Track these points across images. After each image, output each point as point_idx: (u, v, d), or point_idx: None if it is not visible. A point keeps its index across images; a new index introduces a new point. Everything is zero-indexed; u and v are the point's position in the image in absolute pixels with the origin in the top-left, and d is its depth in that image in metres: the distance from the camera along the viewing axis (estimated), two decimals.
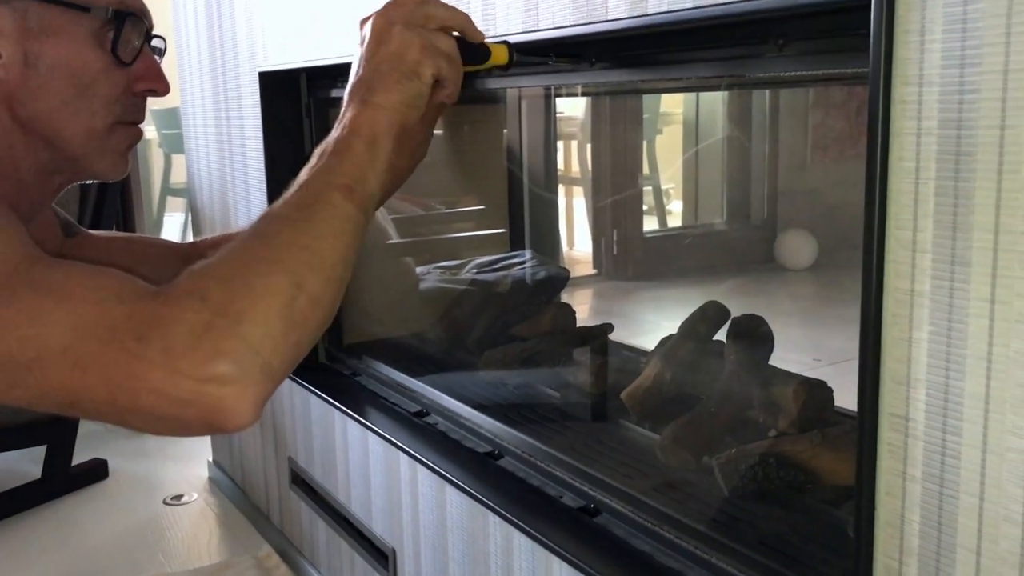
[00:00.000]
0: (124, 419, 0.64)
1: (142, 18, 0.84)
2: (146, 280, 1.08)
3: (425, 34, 0.84)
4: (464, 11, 0.89)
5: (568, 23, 0.94)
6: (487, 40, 0.92)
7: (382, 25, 0.84)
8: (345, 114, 0.80)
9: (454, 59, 0.86)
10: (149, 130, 4.37)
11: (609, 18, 0.88)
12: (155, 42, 0.89)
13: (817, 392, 1.16)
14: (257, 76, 1.70)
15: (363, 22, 0.87)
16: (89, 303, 0.64)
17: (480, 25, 1.07)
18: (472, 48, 0.89)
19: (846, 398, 1.17)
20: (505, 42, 0.94)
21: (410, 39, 0.83)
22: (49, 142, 0.81)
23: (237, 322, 0.63)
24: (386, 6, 0.85)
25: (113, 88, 0.82)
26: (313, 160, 0.77)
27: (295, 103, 1.71)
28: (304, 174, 0.76)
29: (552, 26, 0.96)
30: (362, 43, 0.85)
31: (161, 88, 0.86)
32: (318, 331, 0.70)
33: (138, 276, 1.08)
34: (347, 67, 1.56)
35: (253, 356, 0.63)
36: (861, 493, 0.70)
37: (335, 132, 0.79)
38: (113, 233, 1.18)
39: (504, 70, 0.95)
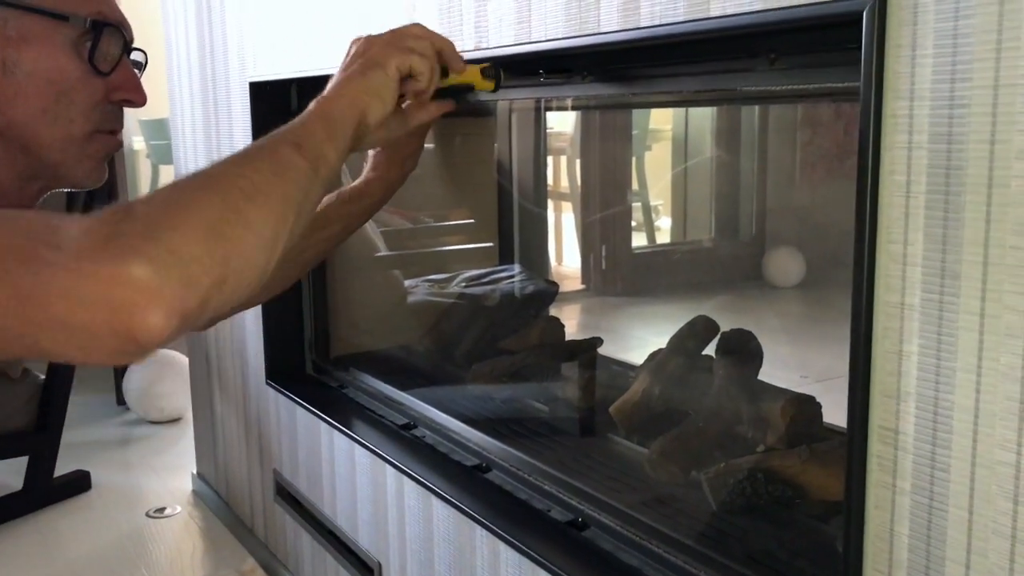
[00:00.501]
0: (37, 340, 0.58)
1: (120, 29, 0.85)
2: None
3: (387, 39, 0.86)
4: (449, 39, 0.91)
5: (560, 35, 0.94)
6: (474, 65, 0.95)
7: (361, 43, 0.88)
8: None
9: (427, 56, 0.87)
10: (137, 141, 4.36)
11: (601, 31, 0.89)
12: (135, 55, 0.90)
13: (805, 407, 1.16)
14: (247, 86, 1.70)
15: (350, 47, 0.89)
16: (17, 221, 0.60)
17: (472, 37, 1.07)
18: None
19: (832, 416, 1.17)
20: (492, 65, 0.96)
21: (374, 39, 0.86)
22: (26, 149, 0.82)
23: (156, 227, 0.60)
24: (378, 36, 0.88)
25: (90, 96, 0.83)
26: None
27: (285, 114, 1.69)
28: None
29: (544, 38, 0.97)
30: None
31: (138, 99, 0.87)
32: (251, 259, 0.65)
33: None
34: None
35: (170, 258, 0.58)
36: (850, 506, 0.70)
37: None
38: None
39: (493, 91, 0.98)
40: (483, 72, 0.96)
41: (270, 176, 0.68)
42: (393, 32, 0.87)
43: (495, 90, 0.97)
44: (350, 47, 0.88)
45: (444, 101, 1.04)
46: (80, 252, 0.57)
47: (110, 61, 0.84)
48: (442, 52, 0.90)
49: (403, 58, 0.85)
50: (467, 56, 1.09)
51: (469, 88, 0.97)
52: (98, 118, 0.84)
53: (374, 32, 0.90)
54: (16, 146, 0.81)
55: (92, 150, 0.85)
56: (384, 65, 0.83)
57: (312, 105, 0.81)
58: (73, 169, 0.85)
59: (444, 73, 0.91)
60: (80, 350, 0.58)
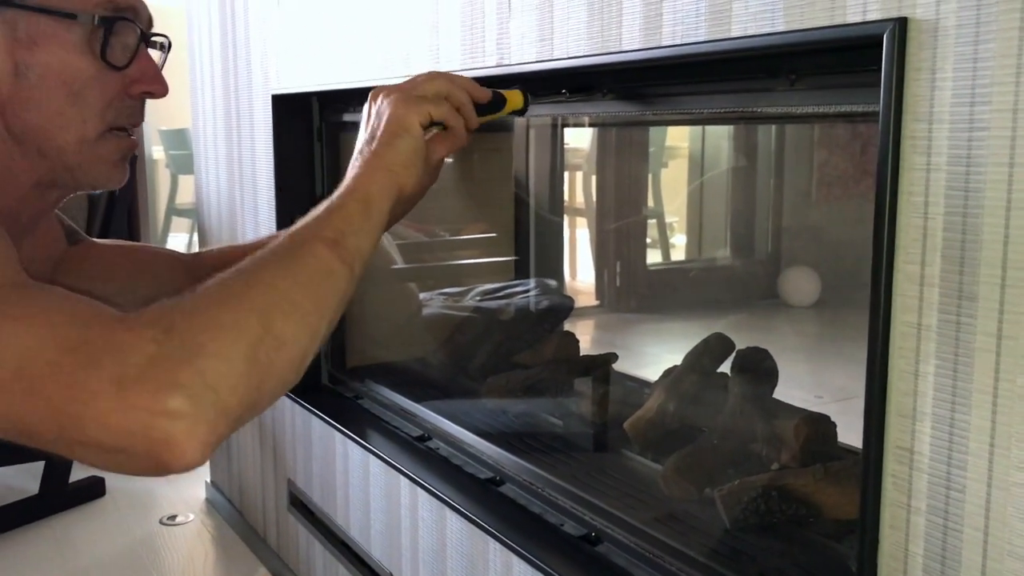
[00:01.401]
0: (73, 451, 0.61)
1: (134, 20, 0.81)
2: (147, 290, 1.09)
3: (411, 93, 0.84)
4: (466, 77, 0.90)
5: (582, 53, 0.95)
6: (502, 90, 0.93)
7: (373, 96, 0.86)
8: (353, 176, 0.80)
9: (444, 98, 0.86)
10: (157, 150, 4.40)
11: (623, 49, 0.90)
12: (156, 38, 0.86)
13: (820, 426, 1.16)
14: (270, 99, 1.72)
15: (371, 99, 0.87)
16: (49, 326, 0.61)
17: (495, 54, 1.08)
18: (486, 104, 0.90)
19: (848, 436, 1.17)
20: (520, 88, 0.94)
21: (395, 99, 0.83)
22: (43, 153, 0.80)
23: (196, 355, 0.60)
24: (398, 86, 0.86)
25: (105, 94, 0.81)
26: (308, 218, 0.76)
27: (307, 126, 1.73)
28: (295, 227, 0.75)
29: (566, 56, 0.98)
30: (366, 118, 0.86)
31: (158, 90, 0.84)
32: (283, 378, 0.67)
33: (141, 284, 1.09)
34: (359, 92, 1.57)
35: (209, 392, 0.60)
36: (865, 525, 0.70)
37: (335, 193, 0.78)
38: (117, 242, 1.18)
39: (521, 114, 0.96)
40: (522, 95, 0.95)
41: (306, 286, 0.69)
42: (403, 87, 0.85)
43: (524, 111, 0.96)
44: (368, 104, 0.86)
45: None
46: (121, 379, 0.58)
47: (126, 53, 0.81)
48: (470, 92, 0.89)
49: (422, 112, 0.83)
50: (489, 73, 1.11)
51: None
52: (113, 115, 0.82)
53: (391, 79, 0.90)
54: (34, 151, 0.80)
55: (106, 151, 0.83)
56: (409, 128, 0.82)
57: (347, 183, 0.79)
58: (90, 172, 0.83)
59: (484, 109, 0.90)
60: (113, 466, 0.60)
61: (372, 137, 0.82)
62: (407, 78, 0.88)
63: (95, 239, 1.11)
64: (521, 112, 0.95)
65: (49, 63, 0.77)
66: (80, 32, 0.78)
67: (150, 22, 0.85)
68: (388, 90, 0.85)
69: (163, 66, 0.88)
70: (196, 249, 2.53)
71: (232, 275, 0.68)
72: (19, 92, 0.77)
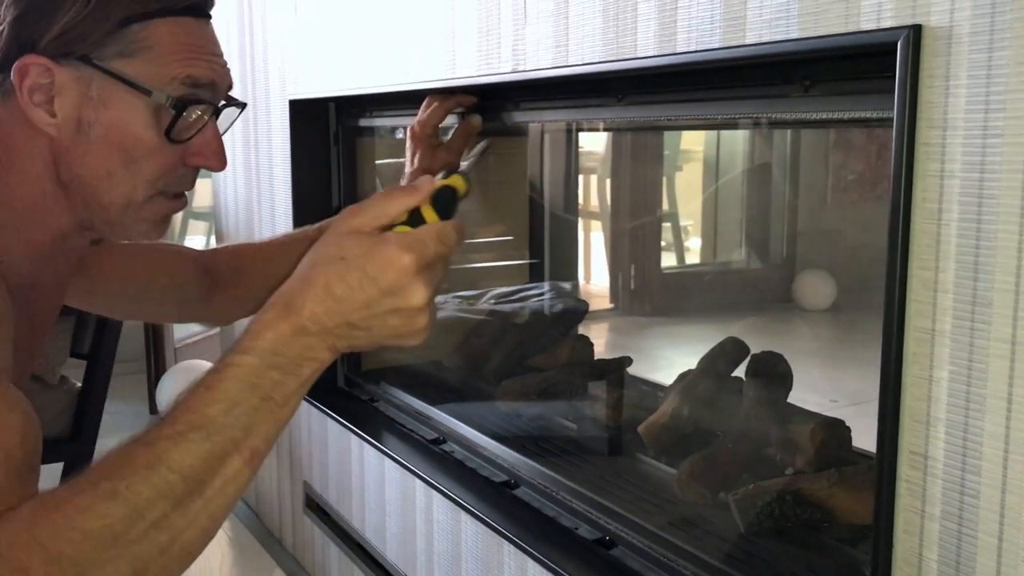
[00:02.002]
0: None
1: (209, 100, 0.80)
2: (163, 288, 1.10)
3: (426, 321, 0.70)
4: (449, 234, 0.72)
5: (597, 59, 0.96)
6: (445, 182, 0.77)
7: (398, 262, 0.66)
8: (284, 323, 0.65)
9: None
10: None
11: (638, 55, 0.90)
12: (231, 105, 0.85)
13: (835, 431, 1.16)
14: (287, 104, 1.73)
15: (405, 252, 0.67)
16: None
17: (510, 60, 1.09)
18: (445, 205, 0.75)
19: (863, 440, 1.17)
20: (461, 174, 0.78)
21: (416, 308, 0.68)
22: (88, 206, 0.80)
23: None
24: (422, 246, 0.68)
25: (162, 165, 0.79)
26: (222, 362, 0.65)
27: (323, 131, 1.74)
28: (209, 394, 0.64)
29: (581, 62, 0.98)
30: (374, 279, 0.66)
31: (216, 166, 0.82)
32: None
33: (158, 282, 1.10)
34: (375, 97, 1.58)
35: None
36: (879, 530, 0.70)
37: (268, 353, 0.65)
38: (135, 244, 1.19)
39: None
40: (454, 177, 0.78)
41: (204, 523, 0.63)
42: (425, 262, 0.68)
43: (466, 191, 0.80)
44: (369, 254, 0.66)
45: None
46: None
47: (192, 128, 0.80)
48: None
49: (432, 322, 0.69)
50: (503, 79, 1.11)
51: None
52: (164, 183, 0.81)
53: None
54: (78, 201, 0.80)
55: (149, 213, 0.81)
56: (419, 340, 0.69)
57: (323, 346, 0.66)
58: (129, 229, 0.82)
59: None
60: None
61: (379, 331, 0.67)
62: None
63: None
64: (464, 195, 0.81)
65: (113, 126, 0.76)
66: (151, 105, 0.77)
67: (229, 88, 0.83)
68: (428, 282, 0.68)
69: (231, 125, 0.87)
70: None
71: (117, 500, 0.60)
72: (77, 146, 0.77)
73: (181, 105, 0.77)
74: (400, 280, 0.66)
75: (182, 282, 1.13)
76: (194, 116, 0.79)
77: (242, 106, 0.87)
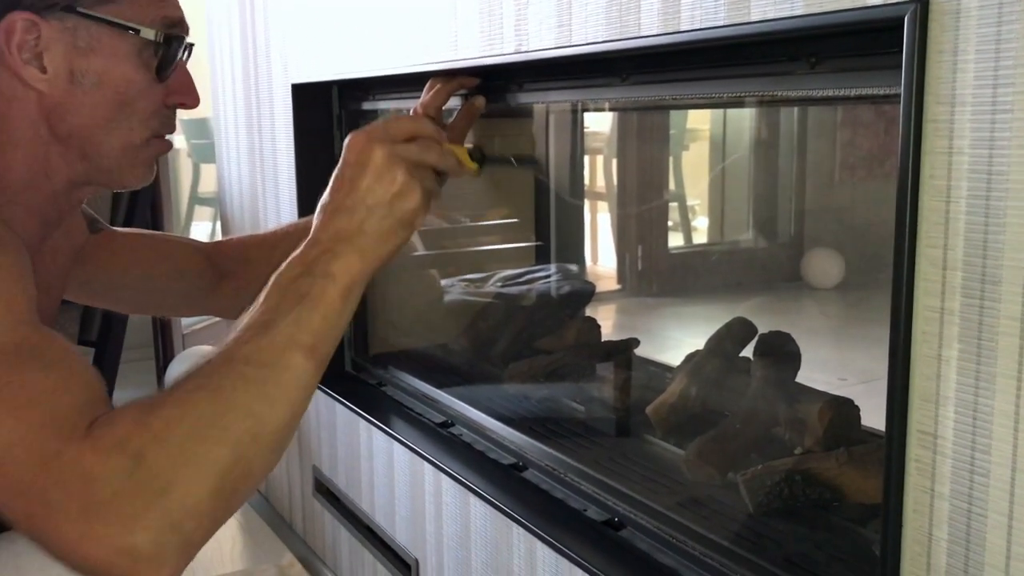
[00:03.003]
0: (42, 548, 0.61)
1: (183, 35, 0.85)
2: (166, 278, 1.10)
3: (424, 175, 0.79)
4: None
5: (601, 39, 0.95)
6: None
7: (385, 160, 0.77)
8: (331, 246, 0.74)
9: (425, 156, 0.81)
10: (179, 139, 4.43)
11: (642, 34, 0.89)
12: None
13: (844, 410, 1.16)
14: (290, 88, 1.73)
15: (357, 142, 0.79)
16: (32, 426, 0.62)
17: (513, 40, 1.08)
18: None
19: (872, 418, 1.16)
20: (479, 156, 0.91)
21: (412, 186, 0.77)
22: (85, 155, 0.82)
23: (163, 493, 0.60)
24: (388, 132, 0.79)
25: (151, 104, 0.83)
26: (273, 280, 0.73)
27: (326, 115, 1.73)
28: (265, 306, 0.71)
29: (585, 42, 0.97)
30: (357, 168, 0.77)
31: (191, 101, 0.87)
32: (243, 501, 0.67)
33: (160, 272, 1.11)
34: (378, 80, 1.57)
35: (173, 532, 0.60)
36: (888, 510, 0.70)
37: (308, 267, 0.73)
38: (137, 230, 1.19)
39: (475, 175, 0.92)
40: (470, 153, 0.90)
41: (282, 407, 0.68)
42: (411, 155, 0.78)
43: (478, 173, 0.92)
44: (377, 166, 0.77)
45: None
46: (87, 508, 0.58)
47: (171, 67, 0.84)
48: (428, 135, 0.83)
49: (426, 209, 0.79)
50: (506, 60, 1.11)
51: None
52: (156, 124, 0.85)
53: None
54: (75, 152, 0.82)
55: (145, 156, 0.85)
56: (414, 224, 0.78)
57: (328, 260, 0.73)
58: (126, 174, 0.85)
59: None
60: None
61: (370, 206, 0.76)
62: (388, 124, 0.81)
63: (116, 228, 1.12)
64: (477, 172, 0.91)
65: (105, 72, 0.79)
66: (136, 44, 0.80)
67: (187, 31, 0.87)
68: (399, 153, 0.78)
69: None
70: (219, 237, 2.55)
71: (205, 390, 0.65)
72: (71, 97, 0.79)
73: (168, 41, 0.82)
74: (364, 153, 0.77)
75: (186, 271, 1.13)
76: (172, 53, 0.83)
77: (191, 47, 0.91)
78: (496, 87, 1.24)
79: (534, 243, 2.00)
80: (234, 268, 1.15)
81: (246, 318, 0.71)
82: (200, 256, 1.14)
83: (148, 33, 0.80)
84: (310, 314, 0.71)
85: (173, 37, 0.83)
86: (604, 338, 1.68)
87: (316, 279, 0.72)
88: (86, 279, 1.03)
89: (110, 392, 2.35)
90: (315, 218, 0.77)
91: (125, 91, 0.81)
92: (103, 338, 2.27)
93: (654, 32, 0.88)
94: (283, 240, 1.15)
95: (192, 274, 1.13)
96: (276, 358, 0.68)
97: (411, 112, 1.25)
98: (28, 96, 0.79)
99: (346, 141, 0.80)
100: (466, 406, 1.45)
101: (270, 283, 0.73)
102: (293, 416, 0.68)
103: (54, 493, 0.59)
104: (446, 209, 2.02)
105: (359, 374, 1.79)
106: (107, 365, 2.33)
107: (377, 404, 1.62)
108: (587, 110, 2.15)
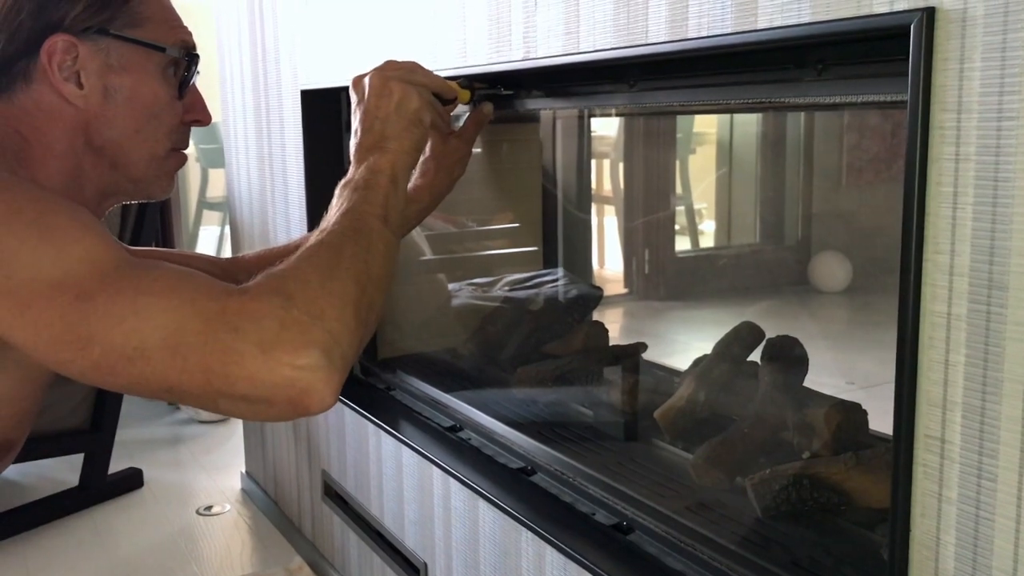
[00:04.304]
0: (216, 403, 0.70)
1: (198, 55, 0.93)
2: None
3: (418, 87, 0.98)
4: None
5: (608, 46, 0.96)
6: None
7: (380, 81, 0.97)
8: (367, 157, 0.91)
9: (437, 106, 1.02)
10: None
11: (649, 42, 0.90)
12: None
13: (851, 414, 1.16)
14: (299, 94, 1.74)
15: (356, 81, 1.00)
16: (185, 300, 0.70)
17: (521, 48, 1.09)
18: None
19: (880, 422, 1.17)
20: (468, 85, 1.14)
21: (408, 91, 0.96)
22: (116, 165, 0.90)
23: (320, 318, 0.70)
24: (379, 67, 1.00)
25: (173, 118, 0.92)
26: (337, 193, 0.87)
27: (335, 121, 1.74)
28: (340, 204, 0.85)
29: (592, 49, 0.98)
30: (361, 100, 0.97)
31: (205, 119, 0.97)
32: (371, 332, 0.78)
33: None
34: None
35: (336, 346, 0.70)
36: (896, 514, 0.70)
37: (359, 173, 0.89)
38: (152, 249, 1.24)
39: (467, 104, 1.16)
40: (460, 84, 1.11)
41: (379, 256, 0.81)
42: (403, 76, 0.99)
43: (469, 101, 1.15)
44: (355, 85, 1.00)
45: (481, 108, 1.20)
46: (262, 342, 0.68)
47: (189, 84, 0.94)
48: (440, 90, 1.05)
49: (432, 112, 0.98)
50: (515, 67, 1.11)
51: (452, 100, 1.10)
52: (176, 137, 0.93)
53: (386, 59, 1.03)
54: (106, 163, 0.90)
55: (168, 167, 0.94)
56: (423, 121, 0.96)
57: (373, 156, 0.91)
58: (152, 184, 0.94)
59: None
60: (254, 415, 0.71)
61: (388, 118, 0.94)
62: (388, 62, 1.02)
63: (130, 247, 1.14)
64: (469, 101, 1.15)
65: (135, 87, 0.89)
66: (161, 63, 0.90)
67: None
68: (384, 72, 0.98)
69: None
70: (228, 242, 2.56)
71: (319, 249, 0.78)
72: (105, 111, 0.88)
73: (188, 59, 0.92)
74: (360, 86, 0.99)
75: None
76: (191, 73, 0.93)
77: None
78: (504, 94, 1.24)
79: (542, 247, 2.01)
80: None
81: (322, 223, 0.83)
82: (216, 269, 1.16)
83: (173, 51, 0.90)
84: (373, 195, 0.86)
85: (192, 56, 0.92)
86: (612, 342, 1.68)
87: (366, 176, 0.88)
88: None
89: (118, 400, 2.37)
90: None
91: (152, 105, 0.90)
92: None
93: (662, 39, 0.89)
94: (297, 250, 1.17)
95: None
96: (361, 225, 0.82)
97: None
98: (66, 110, 0.87)
99: (349, 88, 1.00)
100: (475, 410, 1.45)
101: (333, 199, 0.87)
102: (387, 264, 0.81)
103: (230, 341, 0.68)
104: (455, 213, 2.02)
105: (368, 378, 1.79)
106: None
107: (386, 408, 1.63)
108: (594, 115, 2.16)
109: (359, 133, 0.95)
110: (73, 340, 0.69)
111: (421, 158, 1.25)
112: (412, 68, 1.01)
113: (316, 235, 0.81)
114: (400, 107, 0.95)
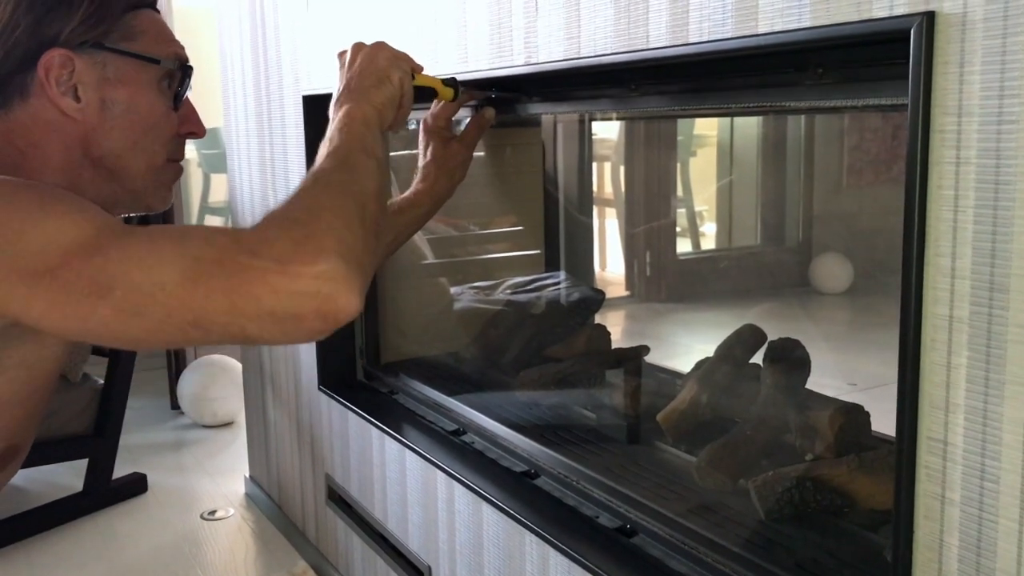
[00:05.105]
0: (244, 329, 0.69)
1: (191, 67, 0.95)
2: None
3: (388, 50, 1.04)
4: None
5: (610, 51, 0.96)
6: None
7: (355, 48, 1.05)
8: (337, 113, 0.94)
9: (408, 77, 1.05)
10: (189, 150, 4.45)
11: (650, 46, 0.90)
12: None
13: (854, 416, 1.16)
14: (301, 99, 1.74)
15: (340, 54, 1.06)
16: (198, 237, 0.72)
17: (523, 52, 1.09)
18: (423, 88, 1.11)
19: (882, 423, 1.17)
20: (452, 80, 1.16)
21: (377, 52, 1.03)
22: (115, 176, 0.91)
23: (330, 229, 0.72)
24: (360, 43, 1.06)
25: (169, 129, 0.93)
26: (322, 149, 0.88)
27: None
28: (324, 149, 0.88)
29: (593, 54, 0.98)
30: (342, 67, 1.04)
31: (200, 132, 0.98)
32: (376, 239, 0.80)
33: None
34: None
35: (351, 252, 0.72)
36: (899, 516, 0.71)
37: (334, 124, 0.92)
38: None
39: (451, 100, 1.18)
40: (444, 82, 1.16)
41: (369, 180, 0.83)
42: (388, 49, 1.05)
43: (454, 98, 1.17)
44: (352, 52, 1.05)
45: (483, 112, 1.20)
46: (280, 258, 0.69)
47: (183, 95, 0.95)
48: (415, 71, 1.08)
49: (401, 71, 1.02)
50: (516, 72, 1.12)
51: (433, 93, 1.16)
52: (172, 149, 0.95)
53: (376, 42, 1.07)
54: (106, 174, 0.90)
55: (166, 178, 0.95)
56: (391, 79, 1.01)
57: (343, 114, 0.94)
58: (150, 196, 0.94)
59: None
60: (284, 334, 0.70)
61: (360, 76, 1.00)
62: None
63: None
64: (453, 98, 1.17)
65: (131, 99, 0.90)
66: (156, 75, 0.91)
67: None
68: (362, 44, 1.05)
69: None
70: None
71: (311, 183, 0.80)
72: (103, 123, 0.89)
73: (182, 71, 0.93)
74: (343, 55, 1.06)
75: None
76: (184, 86, 0.95)
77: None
78: (506, 98, 1.25)
79: (543, 250, 2.01)
80: None
81: (314, 167, 0.86)
82: None
83: (167, 63, 0.91)
84: (349, 134, 0.89)
85: (186, 67, 0.94)
86: (614, 345, 1.68)
87: (340, 124, 0.91)
88: None
89: (122, 405, 2.37)
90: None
91: (149, 116, 0.91)
92: (117, 349, 2.29)
93: (662, 44, 0.89)
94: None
95: None
96: (345, 155, 0.85)
97: (421, 123, 1.26)
98: (64, 124, 0.87)
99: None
100: (478, 414, 1.46)
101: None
102: (377, 187, 0.84)
103: (247, 261, 0.69)
104: (456, 217, 2.03)
105: (371, 382, 1.80)
106: (121, 375, 2.35)
107: (389, 412, 1.63)
108: (595, 119, 2.16)
109: (336, 90, 1.00)
110: (92, 290, 0.69)
111: (421, 163, 1.26)
112: (387, 45, 1.07)
113: (305, 178, 0.84)
114: (370, 66, 1.00)
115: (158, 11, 0.96)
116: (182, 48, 0.95)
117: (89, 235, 0.71)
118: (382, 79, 1.00)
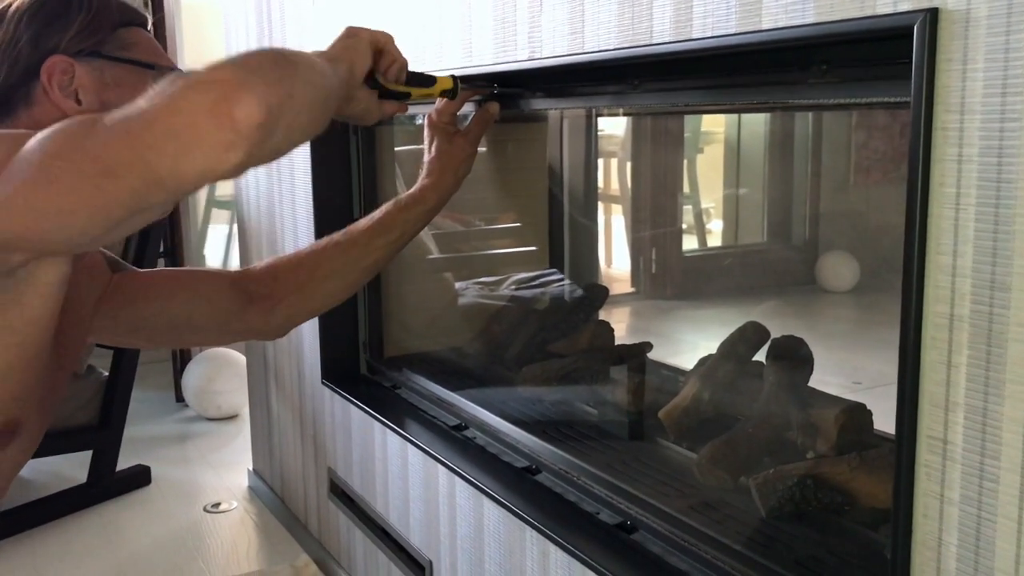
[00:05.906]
0: (149, 164, 0.66)
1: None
2: (188, 306, 1.14)
3: (377, 41, 1.01)
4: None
5: (613, 47, 0.96)
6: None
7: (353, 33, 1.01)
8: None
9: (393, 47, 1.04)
10: None
11: (654, 42, 0.90)
12: None
13: (856, 415, 1.16)
14: None
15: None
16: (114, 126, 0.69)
17: (526, 48, 1.09)
18: (419, 76, 1.08)
19: (887, 422, 1.17)
20: (451, 76, 1.13)
21: (351, 34, 0.99)
22: None
23: (252, 72, 0.69)
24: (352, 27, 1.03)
25: None
26: None
27: (342, 129, 1.75)
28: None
29: (597, 49, 0.98)
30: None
31: None
32: (305, 113, 0.76)
33: (181, 302, 1.17)
34: None
35: (247, 69, 0.69)
36: (898, 515, 0.70)
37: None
38: (159, 269, 1.24)
39: (451, 97, 1.14)
40: (441, 80, 1.12)
41: (306, 88, 0.77)
42: (376, 33, 1.03)
43: (453, 95, 1.14)
44: (345, 31, 1.02)
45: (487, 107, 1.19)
46: (171, 90, 0.66)
47: None
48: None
49: (374, 36, 1.00)
50: (520, 67, 1.12)
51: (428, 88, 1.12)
52: None
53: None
54: None
55: None
56: (360, 36, 0.99)
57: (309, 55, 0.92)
58: None
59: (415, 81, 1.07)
60: (188, 154, 0.66)
61: (330, 48, 0.97)
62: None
63: (137, 269, 1.16)
64: (452, 95, 1.14)
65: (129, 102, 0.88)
66: (152, 80, 0.91)
67: None
68: (364, 32, 1.02)
69: None
70: (236, 240, 2.57)
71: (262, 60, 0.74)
72: None
73: (177, 72, 0.93)
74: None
75: (212, 296, 1.16)
76: None
77: None
78: (510, 93, 1.25)
79: (548, 246, 2.01)
80: (263, 290, 1.18)
81: None
82: (225, 281, 1.17)
83: (161, 68, 0.96)
84: (314, 53, 0.87)
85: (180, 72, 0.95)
86: (618, 341, 1.68)
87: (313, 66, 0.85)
88: (112, 316, 1.07)
89: (127, 397, 2.38)
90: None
91: None
92: None
93: (666, 40, 0.89)
94: (307, 257, 1.18)
95: (218, 299, 1.16)
96: (291, 65, 0.78)
97: (426, 119, 1.26)
98: None
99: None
100: (480, 409, 1.46)
101: None
102: (312, 95, 0.78)
103: (143, 105, 0.67)
104: (461, 212, 2.03)
105: (374, 376, 1.80)
106: (125, 367, 2.35)
107: (392, 407, 1.63)
108: (600, 115, 2.16)
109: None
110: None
111: (426, 158, 1.26)
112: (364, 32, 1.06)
113: None
114: (342, 43, 0.99)
115: (149, 31, 1.01)
116: (173, 64, 1.00)
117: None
118: (351, 34, 1.00)
